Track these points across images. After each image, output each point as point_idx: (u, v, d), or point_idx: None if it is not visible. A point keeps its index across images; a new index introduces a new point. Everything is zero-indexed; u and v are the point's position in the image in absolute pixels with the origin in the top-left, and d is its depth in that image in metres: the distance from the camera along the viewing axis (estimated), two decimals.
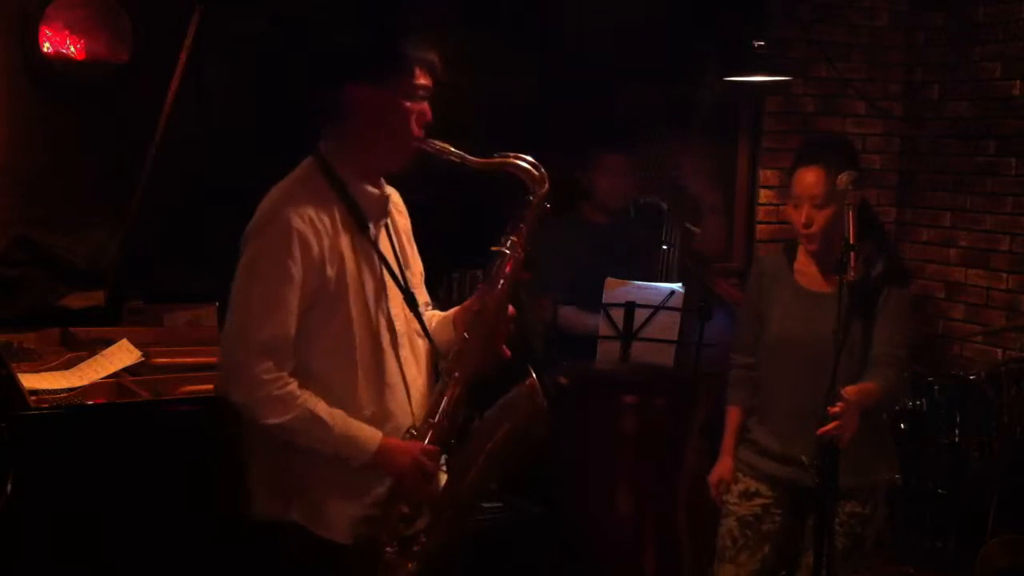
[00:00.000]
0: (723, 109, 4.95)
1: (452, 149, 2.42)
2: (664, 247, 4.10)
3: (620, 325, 3.77)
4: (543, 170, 2.46)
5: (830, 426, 2.78)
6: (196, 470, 2.99)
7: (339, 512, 2.37)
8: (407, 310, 2.48)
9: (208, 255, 3.41)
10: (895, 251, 3.54)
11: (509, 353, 2.49)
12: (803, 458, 2.92)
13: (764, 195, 5.31)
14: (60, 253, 4.02)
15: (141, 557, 2.92)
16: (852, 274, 2.76)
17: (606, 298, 3.75)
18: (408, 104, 2.36)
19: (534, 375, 2.46)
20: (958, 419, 4.27)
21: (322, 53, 2.50)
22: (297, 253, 2.28)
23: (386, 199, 2.48)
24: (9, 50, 4.03)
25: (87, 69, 4.10)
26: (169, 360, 3.53)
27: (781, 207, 5.33)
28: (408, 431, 2.41)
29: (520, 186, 2.46)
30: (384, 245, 2.46)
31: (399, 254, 2.50)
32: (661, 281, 3.95)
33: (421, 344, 2.52)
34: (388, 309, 2.43)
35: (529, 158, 2.47)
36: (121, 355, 3.41)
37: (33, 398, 3.06)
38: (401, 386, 2.43)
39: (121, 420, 3.07)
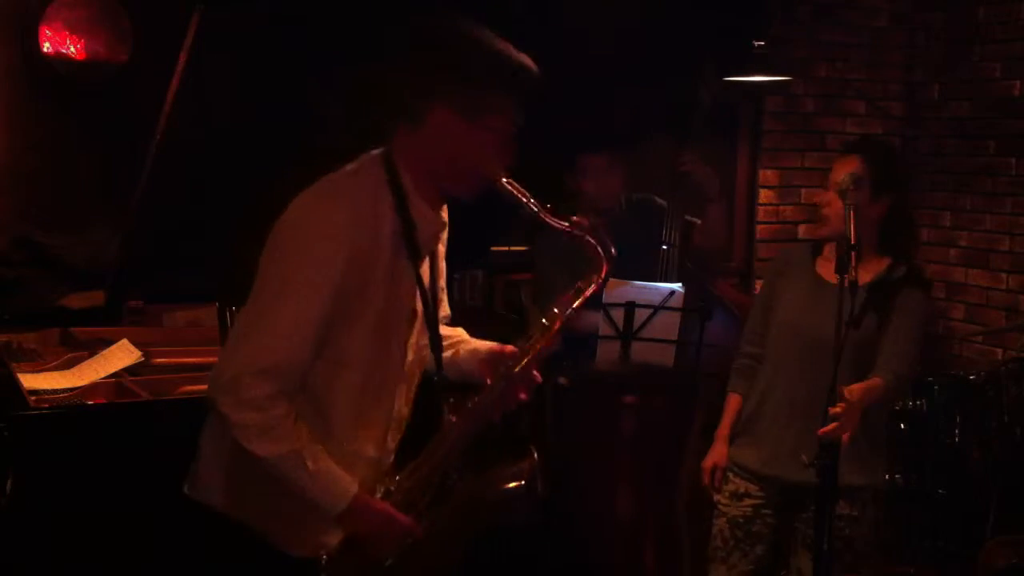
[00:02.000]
0: (723, 109, 4.95)
1: (529, 197, 2.22)
2: (664, 247, 4.09)
3: (620, 325, 3.76)
4: (610, 255, 2.28)
5: (830, 427, 2.78)
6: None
7: (289, 522, 2.24)
8: (421, 340, 2.33)
9: (208, 255, 3.41)
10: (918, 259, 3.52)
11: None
12: (803, 457, 2.92)
13: (764, 195, 5.31)
14: (60, 253, 4.02)
15: (141, 557, 2.91)
16: (853, 274, 2.76)
17: (606, 298, 3.75)
18: (496, 140, 2.20)
19: (535, 455, 2.31)
20: (958, 419, 4.27)
21: (412, 61, 2.22)
22: (334, 274, 2.09)
23: (442, 227, 2.32)
24: (9, 50, 4.03)
25: (87, 69, 4.10)
26: (169, 360, 3.53)
27: (781, 207, 5.34)
28: (388, 481, 2.28)
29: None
30: (424, 272, 2.29)
31: (433, 281, 2.35)
32: (661, 281, 3.95)
33: (418, 374, 2.38)
34: (407, 338, 2.28)
35: (604, 239, 2.29)
36: (121, 355, 3.41)
37: (33, 398, 3.06)
38: (384, 421, 2.31)
39: (121, 420, 3.07)
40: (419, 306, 2.30)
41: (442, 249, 2.42)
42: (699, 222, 4.14)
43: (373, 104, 2.31)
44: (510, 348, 2.35)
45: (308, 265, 2.10)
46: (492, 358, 2.37)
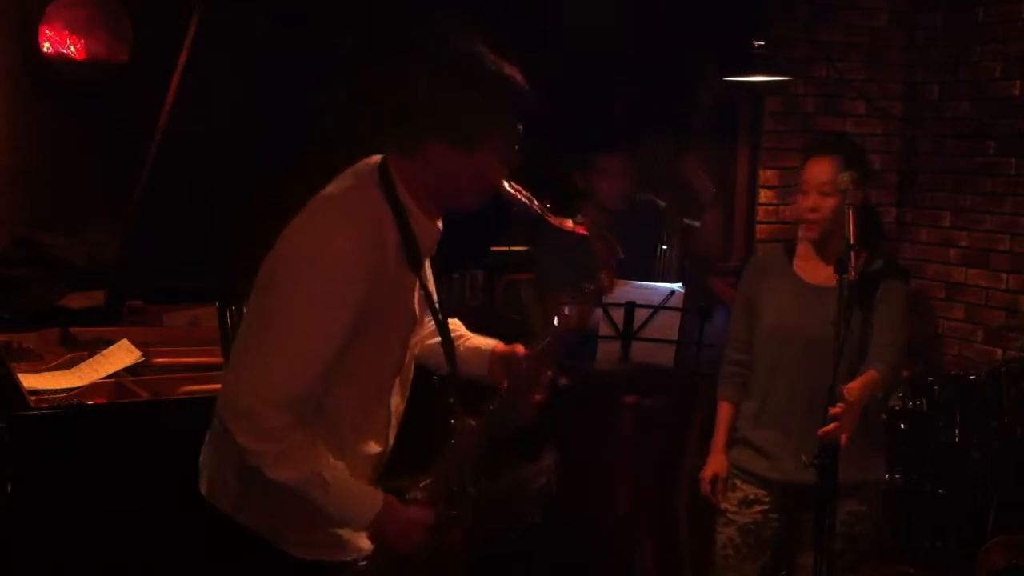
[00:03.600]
0: (723, 109, 4.95)
1: (532, 199, 2.22)
2: (663, 247, 4.09)
3: (620, 325, 3.76)
4: (617, 256, 2.29)
5: (830, 427, 2.77)
6: (196, 470, 2.98)
7: (304, 527, 2.23)
8: (414, 338, 2.32)
9: (208, 255, 3.41)
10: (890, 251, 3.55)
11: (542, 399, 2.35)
12: (803, 457, 2.91)
13: (764, 195, 5.31)
14: (60, 253, 4.03)
15: (141, 557, 2.91)
16: (853, 273, 2.76)
17: (606, 298, 3.75)
18: (495, 165, 2.18)
19: (553, 457, 2.35)
20: (958, 419, 4.26)
21: (401, 95, 2.19)
22: (344, 302, 2.06)
23: (439, 235, 2.29)
24: (9, 50, 4.04)
25: (87, 69, 4.11)
26: (169, 360, 3.53)
27: (781, 207, 5.34)
28: (412, 494, 2.25)
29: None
30: (428, 282, 2.30)
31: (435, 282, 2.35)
32: (660, 281, 3.95)
33: (411, 366, 2.37)
34: (406, 347, 2.28)
35: (610, 239, 2.30)
36: (121, 355, 3.41)
37: (33, 398, 3.06)
38: (385, 419, 2.31)
39: (121, 420, 3.07)
40: (420, 313, 2.29)
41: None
42: (697, 225, 4.14)
43: (367, 117, 2.31)
44: (520, 348, 2.36)
45: (326, 299, 2.07)
46: (504, 359, 2.38)
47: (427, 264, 2.33)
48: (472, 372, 2.41)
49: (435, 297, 2.32)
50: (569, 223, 2.26)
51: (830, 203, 3.01)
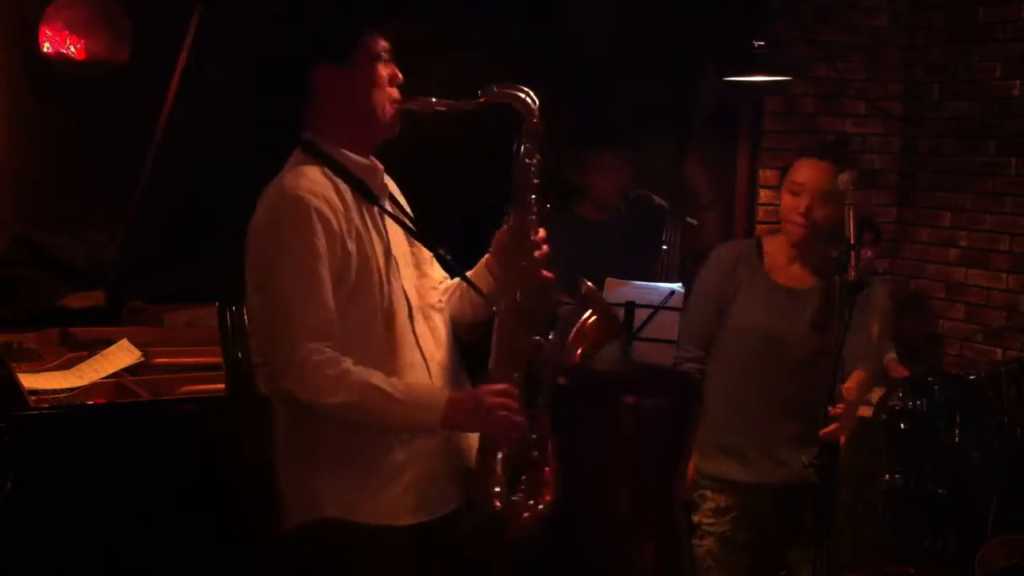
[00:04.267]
0: (723, 109, 4.95)
1: (433, 100, 2.39)
2: (664, 247, 4.09)
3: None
4: (533, 96, 2.42)
5: (831, 428, 2.77)
6: (196, 470, 2.99)
7: (377, 494, 2.31)
8: (421, 286, 2.45)
9: (208, 255, 3.41)
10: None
11: (551, 276, 2.46)
12: (803, 458, 2.92)
13: (764, 195, 5.30)
14: (60, 253, 4.03)
15: (141, 557, 2.92)
16: (852, 274, 2.76)
17: (606, 298, 3.75)
18: (375, 70, 2.34)
19: (588, 283, 2.51)
20: (958, 419, 4.26)
21: (290, 44, 2.52)
22: (319, 228, 2.23)
23: (381, 171, 2.45)
24: (9, 50, 4.04)
25: (87, 69, 4.11)
26: (169, 360, 3.53)
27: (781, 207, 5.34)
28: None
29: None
30: (398, 214, 2.44)
31: (406, 226, 2.46)
32: (661, 280, 3.95)
33: (438, 318, 2.48)
34: (402, 283, 2.39)
35: (520, 87, 2.43)
36: (121, 355, 3.41)
37: (33, 398, 3.06)
38: (420, 363, 2.38)
39: (121, 420, 3.07)
40: (401, 247, 2.41)
41: (406, 210, 2.54)
42: (696, 223, 4.15)
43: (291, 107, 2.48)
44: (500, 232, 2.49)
45: (288, 232, 2.24)
46: (495, 251, 2.51)
47: (402, 211, 2.48)
48: (485, 287, 2.52)
49: (403, 234, 2.43)
50: (476, 98, 2.40)
51: (823, 210, 3.01)
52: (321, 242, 2.23)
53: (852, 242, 2.78)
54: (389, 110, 2.37)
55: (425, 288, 2.48)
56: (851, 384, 2.89)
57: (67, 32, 4.07)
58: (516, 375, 2.39)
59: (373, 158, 2.44)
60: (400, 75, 2.39)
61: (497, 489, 2.36)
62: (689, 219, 4.16)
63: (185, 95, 3.55)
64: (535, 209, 2.43)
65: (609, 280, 3.82)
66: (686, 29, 4.67)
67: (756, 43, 4.52)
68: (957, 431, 4.26)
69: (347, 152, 2.36)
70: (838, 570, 3.01)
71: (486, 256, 2.56)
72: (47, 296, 3.90)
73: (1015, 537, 3.78)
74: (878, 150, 5.42)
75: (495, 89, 2.40)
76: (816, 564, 2.84)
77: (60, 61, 4.07)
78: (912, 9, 5.39)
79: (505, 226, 2.47)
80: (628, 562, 3.79)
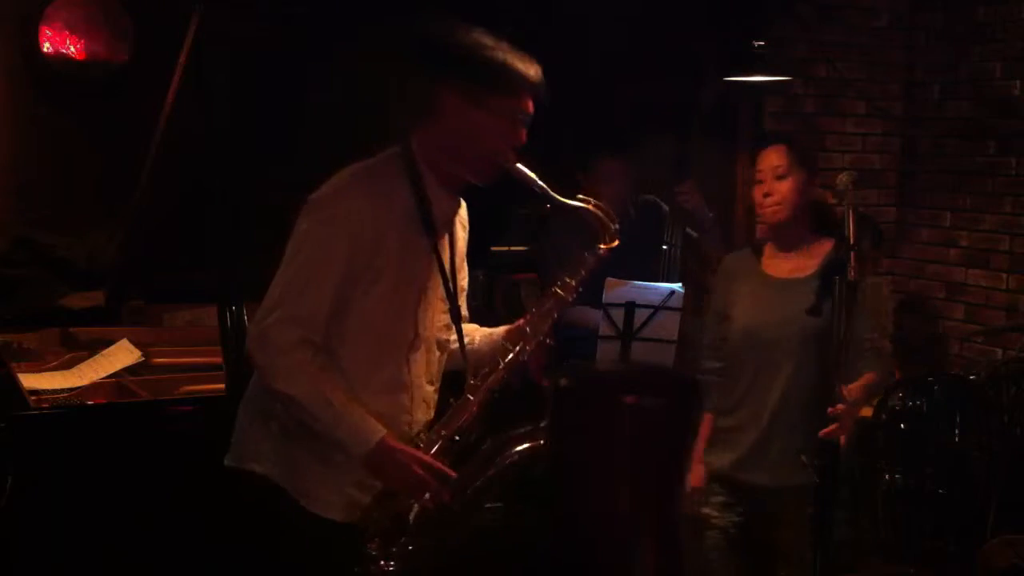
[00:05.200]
0: (723, 109, 4.95)
1: (537, 180, 2.40)
2: (664, 247, 4.09)
3: (620, 325, 3.76)
4: (616, 225, 2.50)
5: (830, 428, 2.77)
6: (196, 470, 2.99)
7: (322, 484, 2.37)
8: (440, 322, 2.49)
9: (208, 255, 3.41)
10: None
11: (540, 376, 2.53)
12: (802, 457, 2.91)
13: None
14: (60, 253, 4.03)
15: (141, 557, 2.92)
16: (852, 274, 2.76)
17: (606, 298, 3.75)
18: (508, 126, 2.35)
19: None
20: (958, 419, 4.26)
21: (420, 48, 2.45)
22: (345, 235, 2.28)
23: (457, 209, 2.49)
24: (9, 50, 4.04)
25: (87, 69, 4.11)
26: (169, 360, 3.54)
27: None
28: (416, 437, 2.42)
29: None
30: (443, 252, 2.45)
31: (452, 264, 2.49)
32: (662, 281, 3.95)
33: (438, 354, 2.52)
34: (418, 313, 2.42)
35: (607, 209, 2.50)
36: (121, 355, 3.41)
37: (33, 398, 3.06)
38: (402, 390, 2.43)
39: (121, 420, 3.08)
40: (432, 281, 2.43)
41: (462, 246, 2.56)
42: (696, 235, 4.16)
43: (384, 102, 2.59)
44: (522, 321, 2.53)
45: (316, 228, 2.31)
46: (513, 334, 2.54)
47: (456, 252, 2.49)
48: (489, 357, 2.52)
49: (448, 269, 2.45)
50: (575, 202, 2.46)
51: (785, 186, 3.06)
52: (341, 247, 2.29)
53: (852, 242, 2.77)
54: (500, 166, 2.38)
55: (442, 323, 2.51)
56: (856, 385, 2.89)
57: (67, 32, 4.07)
58: (456, 437, 2.43)
59: (458, 196, 2.48)
60: (524, 140, 2.38)
61: (374, 545, 2.37)
62: (690, 231, 4.17)
63: (185, 95, 3.55)
64: (551, 323, 2.50)
65: (609, 280, 3.82)
66: (686, 29, 4.66)
67: (756, 43, 4.52)
68: (957, 431, 4.26)
69: (435, 178, 2.39)
70: (838, 570, 3.00)
71: (504, 331, 2.58)
72: (47, 296, 3.90)
73: (1015, 537, 3.78)
74: (878, 150, 5.42)
75: (591, 205, 2.48)
76: (816, 564, 2.83)
77: (60, 61, 4.07)
78: (912, 9, 5.40)
79: (526, 320, 2.51)
80: (628, 562, 3.79)
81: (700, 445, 3.25)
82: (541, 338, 2.50)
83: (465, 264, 2.60)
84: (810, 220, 3.15)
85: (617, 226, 2.50)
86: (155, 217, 3.74)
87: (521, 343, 2.48)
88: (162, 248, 3.89)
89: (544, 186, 2.40)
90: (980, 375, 4.32)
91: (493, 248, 4.66)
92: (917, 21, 5.39)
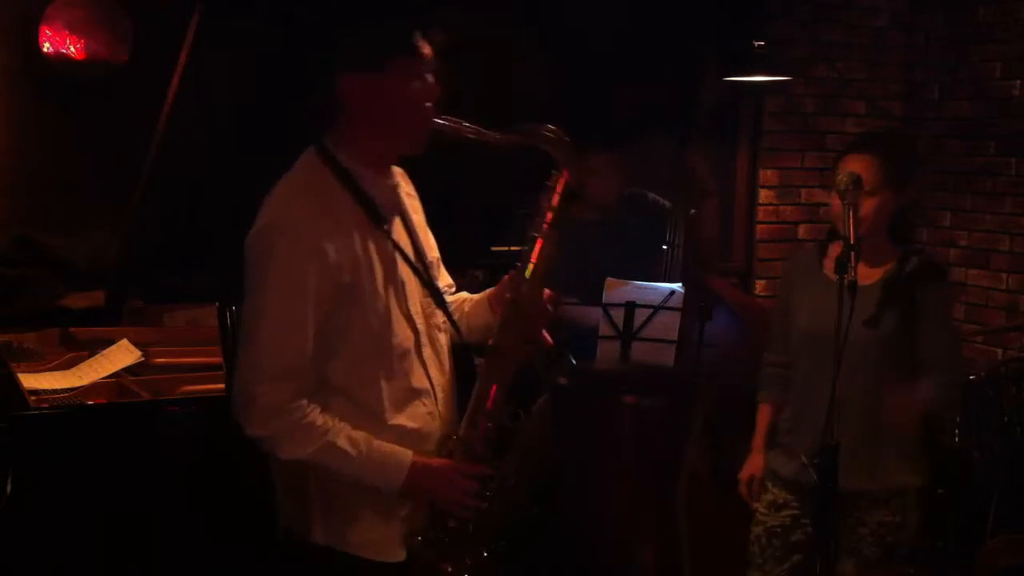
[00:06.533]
0: (723, 109, 4.95)
1: (466, 124, 2.27)
2: (665, 247, 4.09)
3: (620, 325, 3.76)
4: (571, 140, 2.33)
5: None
6: (196, 470, 2.99)
7: (367, 529, 2.24)
8: (427, 305, 2.34)
9: (208, 255, 3.42)
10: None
11: (551, 341, 2.40)
12: (803, 457, 2.90)
13: (764, 195, 5.30)
14: (60, 253, 4.02)
15: (141, 557, 2.92)
16: (852, 274, 2.74)
17: (606, 298, 3.75)
18: (413, 83, 2.20)
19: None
20: (958, 419, 4.26)
21: (315, 50, 2.35)
22: (311, 263, 2.12)
23: (397, 186, 2.34)
24: (9, 50, 4.03)
25: (87, 69, 4.10)
26: (169, 360, 3.54)
27: (781, 207, 5.34)
28: (448, 441, 2.30)
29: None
30: (401, 237, 2.31)
31: (416, 245, 2.35)
32: (664, 281, 3.95)
33: (443, 340, 2.38)
34: (408, 308, 2.28)
35: (554, 128, 2.33)
36: (121, 355, 3.41)
37: (33, 398, 3.06)
38: (428, 391, 2.30)
39: (121, 420, 3.08)
40: (404, 269, 2.30)
41: (419, 219, 2.43)
42: (697, 212, 4.15)
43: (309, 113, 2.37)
44: (506, 277, 2.41)
45: (276, 265, 2.13)
46: (497, 294, 2.42)
47: (415, 231, 2.36)
48: (484, 324, 2.43)
49: (412, 253, 2.32)
50: (513, 135, 2.31)
51: (871, 203, 2.91)
52: (310, 279, 2.12)
53: (852, 242, 2.76)
54: (423, 124, 2.24)
55: (430, 306, 2.36)
56: (901, 401, 2.88)
57: (67, 32, 4.06)
58: (489, 424, 2.32)
59: (393, 172, 2.34)
60: (438, 88, 2.24)
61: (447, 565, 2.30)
62: (692, 210, 4.16)
63: (185, 95, 3.55)
64: (541, 271, 2.36)
65: (609, 280, 3.82)
66: (686, 29, 4.66)
67: (756, 43, 4.52)
68: (957, 431, 4.26)
69: (365, 166, 2.25)
70: (838, 570, 2.99)
71: (489, 293, 2.47)
72: (47, 296, 3.89)
73: (1015, 537, 3.78)
74: None
75: (528, 129, 2.32)
76: (818, 564, 2.82)
77: (60, 61, 4.06)
78: (912, 9, 5.40)
79: (509, 280, 2.39)
80: (628, 562, 3.79)
81: (760, 436, 3.24)
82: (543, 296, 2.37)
83: (429, 233, 2.45)
84: (891, 232, 3.04)
85: (571, 141, 2.34)
86: (155, 217, 3.74)
87: (510, 305, 2.35)
88: (162, 248, 3.88)
89: (476, 127, 2.27)
90: (980, 375, 4.32)
91: (493, 248, 4.66)
92: (917, 21, 5.39)
